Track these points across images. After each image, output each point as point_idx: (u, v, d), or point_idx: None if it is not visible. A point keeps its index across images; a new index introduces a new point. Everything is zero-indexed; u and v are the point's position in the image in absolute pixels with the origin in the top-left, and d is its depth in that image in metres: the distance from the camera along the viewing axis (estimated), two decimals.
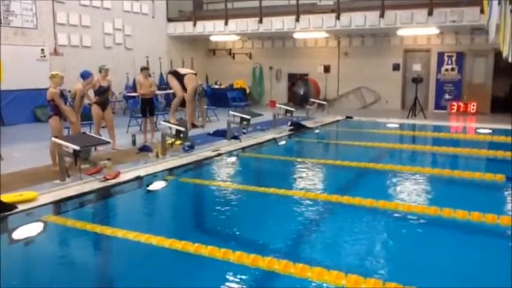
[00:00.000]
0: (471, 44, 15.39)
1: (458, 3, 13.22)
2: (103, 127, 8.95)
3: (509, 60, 11.55)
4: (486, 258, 4.08)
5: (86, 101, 8.41)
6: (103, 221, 5.04)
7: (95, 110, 8.56)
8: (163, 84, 16.44)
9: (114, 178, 6.13)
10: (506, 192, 6.16)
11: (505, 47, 10.79)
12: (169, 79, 8.36)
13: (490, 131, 11.16)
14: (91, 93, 8.60)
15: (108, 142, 7.19)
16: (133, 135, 9.09)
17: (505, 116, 14.17)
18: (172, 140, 8.22)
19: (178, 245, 4.09)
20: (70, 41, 14.05)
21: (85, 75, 8.19)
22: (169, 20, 17.85)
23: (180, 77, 8.16)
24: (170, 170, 7.01)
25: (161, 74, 17.17)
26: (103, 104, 8.61)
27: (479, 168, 7.67)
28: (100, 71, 8.71)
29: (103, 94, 8.60)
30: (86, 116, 8.75)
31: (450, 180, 6.80)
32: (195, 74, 8.43)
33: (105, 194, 5.88)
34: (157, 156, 7.65)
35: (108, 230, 4.58)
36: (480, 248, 4.33)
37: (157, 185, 6.37)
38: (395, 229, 4.86)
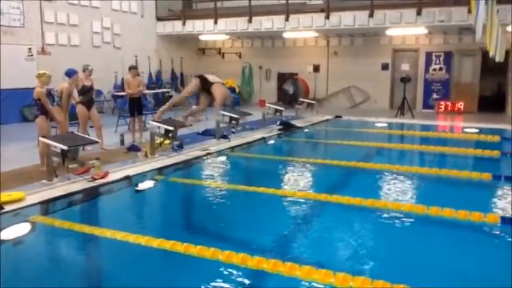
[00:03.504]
0: (459, 43, 15.55)
1: (446, 3, 13.35)
2: (91, 127, 8.90)
3: (496, 59, 11.69)
4: (473, 255, 4.12)
5: (71, 101, 8.35)
6: (91, 221, 5.01)
7: (80, 109, 8.52)
8: (152, 84, 16.39)
9: (102, 178, 6.10)
10: (492, 191, 6.22)
11: (491, 47, 10.91)
12: (193, 85, 8.07)
13: (477, 130, 11.27)
14: (75, 93, 8.54)
15: (96, 142, 7.15)
16: (122, 135, 9.04)
17: (492, 115, 14.37)
18: (161, 139, 8.18)
19: (167, 244, 4.07)
20: (58, 40, 13.96)
21: (70, 73, 8.13)
22: (159, 19, 17.80)
23: (207, 83, 7.92)
24: (159, 170, 6.99)
25: (150, 73, 17.10)
26: (88, 104, 8.56)
27: (467, 167, 7.74)
28: (84, 71, 8.65)
29: (87, 94, 8.55)
30: (72, 116, 8.68)
31: (438, 179, 6.85)
32: (223, 84, 8.20)
33: (93, 194, 5.84)
34: (146, 155, 7.62)
35: (96, 230, 4.55)
36: (467, 246, 4.38)
37: (146, 185, 6.35)
38: (383, 227, 4.88)
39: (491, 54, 11.30)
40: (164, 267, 3.96)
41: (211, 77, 8.32)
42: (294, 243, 4.57)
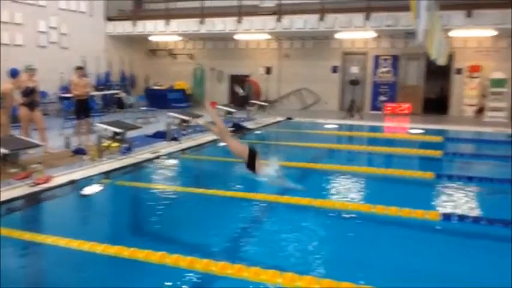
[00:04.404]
0: (405, 47, 16.06)
1: (394, 8, 13.76)
2: (35, 129, 8.56)
3: (438, 62, 12.20)
4: (416, 251, 4.27)
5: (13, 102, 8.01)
6: (32, 228, 4.80)
7: (22, 111, 8.18)
8: (100, 85, 15.97)
9: (45, 183, 5.87)
10: (435, 189, 6.47)
11: (433, 51, 11.37)
12: (240, 152, 5.50)
13: (422, 131, 11.70)
14: (16, 94, 8.19)
15: (39, 145, 6.88)
16: (67, 138, 8.74)
17: (435, 116, 14.96)
18: (109, 142, 7.97)
19: (112, 250, 3.97)
20: (0, 39, 13.34)
21: (14, 73, 7.81)
22: (109, 18, 17.38)
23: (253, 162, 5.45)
24: (106, 173, 6.79)
25: (98, 74, 16.66)
26: (31, 105, 8.23)
27: (412, 166, 8.01)
28: (26, 71, 8.31)
29: (30, 95, 8.22)
30: (14, 118, 8.32)
31: (384, 178, 7.05)
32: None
33: (35, 199, 5.61)
34: (92, 159, 7.40)
35: (38, 237, 4.37)
36: (410, 242, 4.52)
37: (92, 189, 6.14)
38: (331, 227, 4.98)
39: (432, 57, 11.79)
40: (109, 273, 3.86)
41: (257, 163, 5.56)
42: (243, 244, 4.58)
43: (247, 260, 3.85)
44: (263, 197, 5.83)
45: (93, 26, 16.72)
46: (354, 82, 14.98)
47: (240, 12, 15.60)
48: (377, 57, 16.60)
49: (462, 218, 4.94)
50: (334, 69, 17.14)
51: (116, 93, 15.30)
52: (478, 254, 4.23)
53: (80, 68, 9.72)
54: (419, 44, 11.68)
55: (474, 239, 4.60)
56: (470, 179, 6.58)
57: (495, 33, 14.21)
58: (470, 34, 14.64)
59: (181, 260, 3.76)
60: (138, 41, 18.57)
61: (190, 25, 16.37)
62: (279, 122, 13.30)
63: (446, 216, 4.96)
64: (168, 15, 16.67)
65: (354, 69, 16.33)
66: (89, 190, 6.03)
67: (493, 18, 12.97)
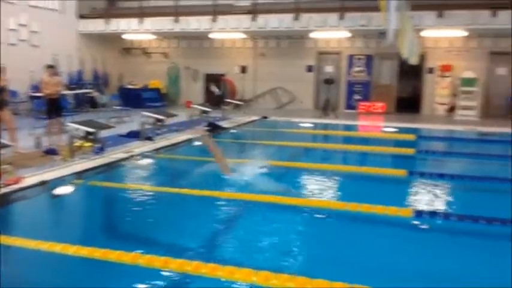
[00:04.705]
0: (378, 47, 16.28)
1: (367, 9, 13.94)
2: (4, 129, 8.35)
3: (410, 62, 12.43)
4: (388, 247, 4.33)
5: None
6: (1, 230, 4.66)
7: None
8: (72, 84, 15.69)
9: (15, 184, 5.72)
10: (407, 186, 6.57)
11: (405, 50, 11.57)
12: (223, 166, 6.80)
13: (395, 129, 11.87)
14: None
15: (9, 145, 6.70)
16: (38, 138, 8.56)
17: (408, 115, 15.22)
18: (81, 142, 7.82)
19: (85, 251, 3.90)
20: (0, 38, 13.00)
21: None
22: (81, 16, 17.09)
23: None
24: (78, 174, 6.66)
25: (70, 73, 16.37)
26: (0, 105, 8.03)
27: (385, 164, 8.12)
28: None
29: None
30: None
31: (358, 176, 7.12)
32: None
33: (5, 201, 5.46)
34: (64, 159, 7.26)
35: (7, 240, 4.25)
36: (383, 239, 4.57)
37: (64, 190, 6.03)
38: (305, 224, 5.00)
39: (404, 57, 12.00)
40: (81, 274, 3.78)
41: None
42: (219, 244, 4.57)
43: (223, 260, 3.83)
44: (239, 196, 5.81)
45: (65, 24, 16.44)
46: (329, 81, 15.14)
47: (215, 11, 15.56)
48: (351, 57, 16.78)
49: (433, 214, 5.04)
50: (309, 69, 17.25)
51: (89, 92, 15.06)
52: (448, 249, 4.32)
53: (50, 67, 9.53)
54: (391, 44, 11.87)
55: (445, 235, 4.68)
56: (441, 176, 6.70)
57: (466, 33, 14.55)
58: (442, 34, 14.95)
59: (155, 260, 3.72)
60: (112, 40, 18.32)
61: (164, 23, 16.24)
62: (254, 121, 13.30)
63: (418, 213, 5.04)
64: (141, 14, 16.51)
65: (329, 69, 16.50)
66: (61, 191, 5.92)
67: (463, 18, 13.28)
